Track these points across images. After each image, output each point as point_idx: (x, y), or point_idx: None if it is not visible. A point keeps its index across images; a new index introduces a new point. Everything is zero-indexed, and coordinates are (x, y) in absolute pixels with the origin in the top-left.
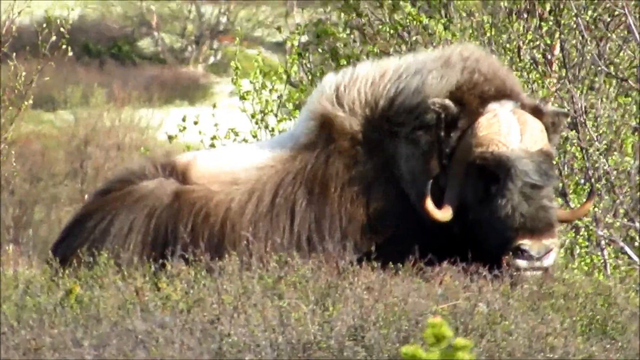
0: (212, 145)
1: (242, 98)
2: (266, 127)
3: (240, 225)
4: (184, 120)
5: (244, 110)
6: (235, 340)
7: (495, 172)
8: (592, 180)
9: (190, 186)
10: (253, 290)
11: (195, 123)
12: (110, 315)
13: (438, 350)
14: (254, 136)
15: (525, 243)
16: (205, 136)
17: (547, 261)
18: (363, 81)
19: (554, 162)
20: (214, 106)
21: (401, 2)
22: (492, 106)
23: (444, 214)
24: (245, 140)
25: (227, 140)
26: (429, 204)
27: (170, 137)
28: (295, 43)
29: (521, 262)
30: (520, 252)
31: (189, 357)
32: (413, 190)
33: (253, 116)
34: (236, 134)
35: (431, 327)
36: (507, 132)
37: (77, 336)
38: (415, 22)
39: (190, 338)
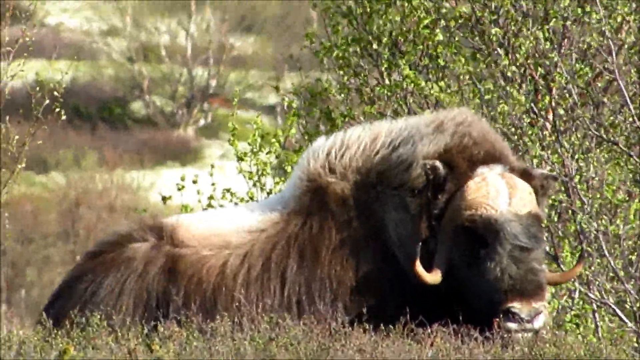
0: (210, 205)
1: (240, 159)
2: (262, 188)
3: (232, 290)
4: (182, 179)
5: (241, 171)
6: None
7: (483, 235)
8: (583, 244)
9: (182, 249)
10: (245, 352)
11: (194, 182)
12: None
13: None
14: (251, 197)
15: (515, 306)
16: (203, 196)
17: (537, 323)
18: (354, 147)
19: (545, 225)
20: (212, 166)
21: (401, 63)
22: (481, 170)
23: (434, 277)
24: (242, 200)
25: (223, 201)
26: (419, 267)
27: (164, 198)
28: (294, 105)
29: (511, 325)
30: (510, 315)
31: None
32: (402, 253)
33: (250, 177)
34: (232, 195)
35: None
36: (496, 195)
37: None
38: (413, 85)
39: None
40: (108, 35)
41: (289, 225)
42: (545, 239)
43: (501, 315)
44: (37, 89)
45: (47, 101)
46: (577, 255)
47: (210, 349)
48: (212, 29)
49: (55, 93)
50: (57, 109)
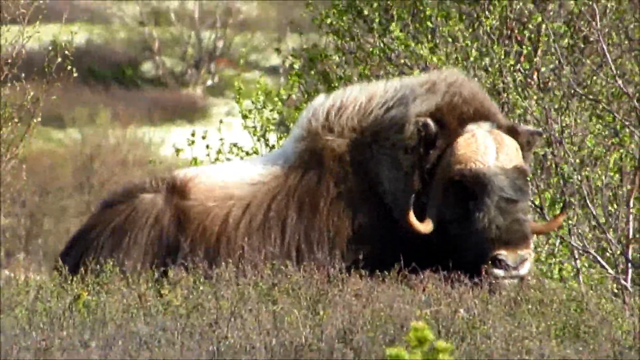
0: (217, 159)
1: (245, 117)
2: (266, 143)
3: (235, 239)
4: (192, 135)
5: (246, 127)
6: (232, 343)
7: (472, 188)
8: (566, 195)
9: (189, 202)
10: (249, 296)
11: (204, 137)
12: (116, 319)
13: (420, 352)
14: (255, 152)
15: (502, 253)
16: (212, 150)
17: (523, 270)
18: (351, 106)
19: (530, 178)
20: (221, 122)
21: (390, 27)
22: (471, 127)
23: (426, 227)
24: (247, 154)
25: (230, 155)
26: (412, 217)
27: (177, 150)
28: (296, 66)
29: (498, 271)
30: (497, 262)
31: (189, 357)
32: (396, 206)
33: (255, 133)
34: (239, 149)
35: (414, 330)
36: (484, 150)
37: (84, 338)
38: (403, 46)
39: (190, 340)
40: (121, 1)
41: (288, 178)
42: (530, 191)
43: (489, 263)
44: (51, 49)
45: (59, 59)
46: (560, 206)
47: (216, 294)
48: None
49: (67, 52)
50: (69, 67)
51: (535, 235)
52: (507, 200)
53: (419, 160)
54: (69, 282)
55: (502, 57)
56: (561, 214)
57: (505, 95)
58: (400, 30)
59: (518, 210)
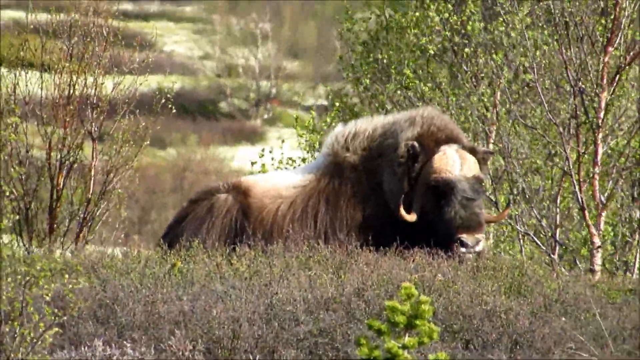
0: (279, 167)
1: (300, 135)
2: (313, 156)
3: (283, 225)
4: (262, 151)
5: (300, 144)
6: (281, 297)
7: (443, 190)
8: (511, 195)
9: (251, 199)
10: (292, 265)
11: (270, 152)
12: (200, 281)
13: (409, 303)
14: (304, 161)
15: (464, 236)
16: (275, 161)
17: (479, 248)
18: (362, 134)
19: (484, 183)
20: (283, 141)
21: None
22: (443, 147)
23: (411, 217)
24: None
25: (287, 165)
26: (402, 210)
27: (252, 163)
28: (337, 104)
29: (462, 249)
30: (461, 242)
31: (251, 308)
32: (393, 202)
33: (306, 148)
34: (293, 161)
35: (404, 289)
36: (452, 164)
37: (178, 294)
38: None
39: (252, 295)
40: (204, 59)
41: (320, 183)
42: (485, 191)
43: (456, 243)
44: (157, 93)
45: (163, 100)
46: (507, 203)
47: (270, 263)
48: (272, 55)
49: (168, 95)
50: (169, 105)
51: (491, 224)
52: (467, 199)
53: (408, 170)
54: (168, 254)
55: (473, 99)
56: (507, 209)
57: (472, 124)
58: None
59: (475, 206)
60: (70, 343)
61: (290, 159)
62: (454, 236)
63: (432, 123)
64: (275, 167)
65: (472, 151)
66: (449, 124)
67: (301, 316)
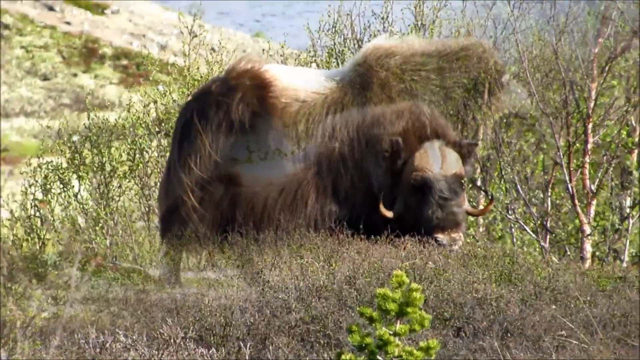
0: None
1: None
2: None
3: (274, 213)
4: None
5: None
6: (272, 285)
7: (423, 189)
8: (500, 184)
9: (242, 188)
10: (284, 253)
11: None
12: (192, 268)
13: (400, 291)
14: None
15: (439, 237)
16: None
17: (455, 247)
18: (351, 125)
19: (465, 180)
20: None
21: None
22: (426, 144)
23: (389, 214)
24: None
25: None
26: (381, 207)
27: None
28: None
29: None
30: (437, 242)
31: (243, 295)
32: (379, 193)
33: None
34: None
35: (395, 277)
36: (432, 162)
37: (171, 280)
38: None
39: (244, 283)
40: None
41: (309, 172)
42: (465, 188)
43: (434, 242)
44: None
45: None
46: (490, 197)
47: (261, 252)
48: None
49: None
50: None
51: (479, 217)
52: (444, 199)
53: (391, 165)
54: (161, 242)
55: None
56: (489, 204)
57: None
58: None
59: (453, 206)
60: (64, 330)
61: None
62: (432, 234)
63: (417, 118)
64: None
65: (456, 145)
66: (435, 119)
67: (293, 304)
